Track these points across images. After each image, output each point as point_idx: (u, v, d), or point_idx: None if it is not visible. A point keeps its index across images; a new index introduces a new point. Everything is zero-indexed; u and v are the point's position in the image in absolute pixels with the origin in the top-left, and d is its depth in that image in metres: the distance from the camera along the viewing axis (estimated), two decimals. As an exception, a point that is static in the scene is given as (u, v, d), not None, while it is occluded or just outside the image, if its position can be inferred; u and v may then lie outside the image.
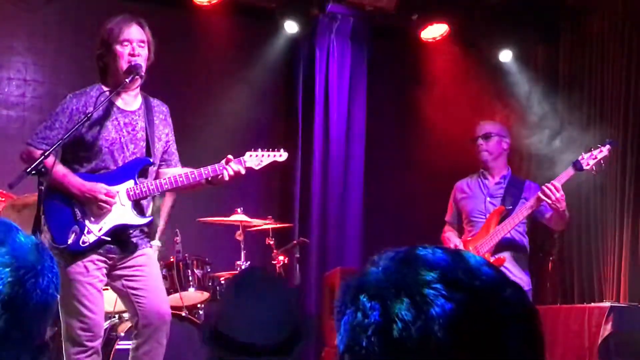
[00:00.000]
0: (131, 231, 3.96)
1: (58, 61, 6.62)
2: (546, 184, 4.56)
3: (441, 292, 0.98)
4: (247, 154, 4.12)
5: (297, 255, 6.34)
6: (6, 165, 5.35)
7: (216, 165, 3.99)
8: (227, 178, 3.97)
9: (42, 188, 3.66)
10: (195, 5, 6.89)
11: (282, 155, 4.23)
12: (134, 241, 3.96)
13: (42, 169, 3.62)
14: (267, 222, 5.84)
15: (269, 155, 4.18)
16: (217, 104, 7.03)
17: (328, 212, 7.34)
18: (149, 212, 4.06)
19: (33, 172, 3.60)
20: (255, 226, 5.84)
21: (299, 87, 7.49)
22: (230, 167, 3.98)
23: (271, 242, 5.92)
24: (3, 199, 4.89)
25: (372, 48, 7.58)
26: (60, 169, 3.82)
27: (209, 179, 4.00)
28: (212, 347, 2.12)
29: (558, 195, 4.51)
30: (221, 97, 7.08)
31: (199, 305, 5.35)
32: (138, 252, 3.96)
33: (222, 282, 5.46)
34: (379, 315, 0.99)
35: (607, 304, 5.65)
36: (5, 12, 6.49)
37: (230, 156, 4.01)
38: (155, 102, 4.11)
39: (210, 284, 5.40)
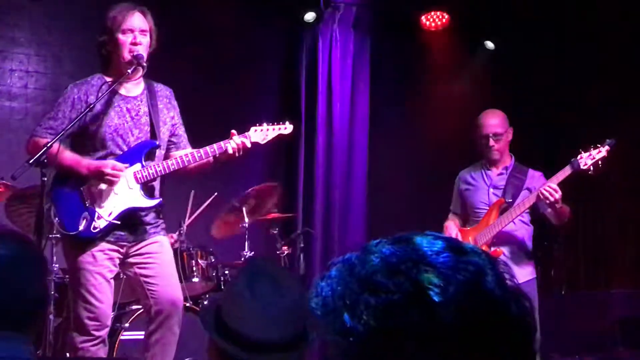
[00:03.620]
0: (142, 215, 3.95)
1: (61, 52, 6.59)
2: (544, 187, 4.54)
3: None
4: (252, 128, 4.08)
5: (302, 245, 6.32)
6: (9, 157, 5.36)
7: (221, 142, 3.96)
8: (231, 151, 3.93)
9: (45, 179, 3.66)
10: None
11: (287, 128, 4.16)
12: (145, 227, 3.95)
13: (44, 160, 3.61)
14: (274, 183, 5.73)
15: (274, 129, 4.12)
16: (218, 94, 6.99)
17: (332, 202, 7.32)
18: (158, 194, 4.04)
19: (35, 163, 3.60)
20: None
21: (302, 77, 7.45)
22: (234, 141, 3.95)
23: (275, 232, 5.90)
24: (1, 190, 4.89)
25: (374, 37, 7.55)
26: (69, 154, 3.83)
27: (216, 156, 3.97)
28: (220, 342, 2.08)
29: (557, 196, 4.52)
30: (222, 86, 7.05)
31: (203, 296, 5.35)
32: (150, 240, 3.95)
33: (227, 272, 5.45)
34: (410, 285, 0.94)
35: (613, 290, 5.65)
36: (7, 3, 6.47)
37: (233, 131, 3.99)
38: (159, 86, 4.10)
39: (214, 274, 5.40)
